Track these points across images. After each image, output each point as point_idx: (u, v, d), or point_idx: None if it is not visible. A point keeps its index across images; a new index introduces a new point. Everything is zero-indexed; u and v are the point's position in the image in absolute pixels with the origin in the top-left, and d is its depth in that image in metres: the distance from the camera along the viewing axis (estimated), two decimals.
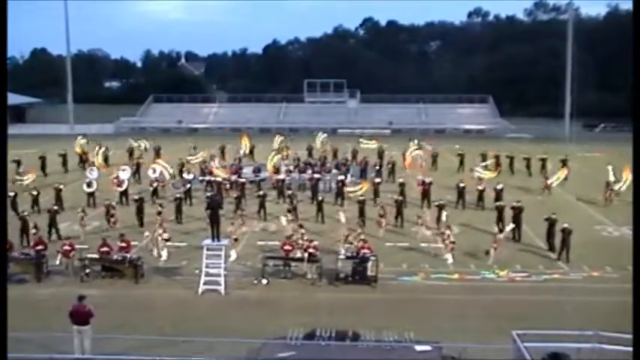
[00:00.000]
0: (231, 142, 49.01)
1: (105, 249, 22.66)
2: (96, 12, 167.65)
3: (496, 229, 25.77)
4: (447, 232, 24.76)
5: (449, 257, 24.15)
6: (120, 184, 33.95)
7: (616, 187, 34.40)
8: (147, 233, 25.74)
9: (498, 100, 78.53)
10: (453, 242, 24.29)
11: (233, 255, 24.15)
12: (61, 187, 32.87)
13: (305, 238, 23.32)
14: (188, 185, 34.20)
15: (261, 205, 31.03)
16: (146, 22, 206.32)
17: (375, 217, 28.31)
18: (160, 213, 26.73)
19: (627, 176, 33.95)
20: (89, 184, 33.60)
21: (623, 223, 29.59)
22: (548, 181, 36.28)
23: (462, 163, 44.31)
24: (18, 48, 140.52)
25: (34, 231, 24.64)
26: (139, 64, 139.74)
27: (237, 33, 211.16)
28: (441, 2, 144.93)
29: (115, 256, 22.56)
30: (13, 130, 53.95)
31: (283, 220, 26.53)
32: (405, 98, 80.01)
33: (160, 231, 24.75)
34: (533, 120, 75.48)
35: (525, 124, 72.29)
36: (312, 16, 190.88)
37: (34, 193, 32.04)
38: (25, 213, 27.67)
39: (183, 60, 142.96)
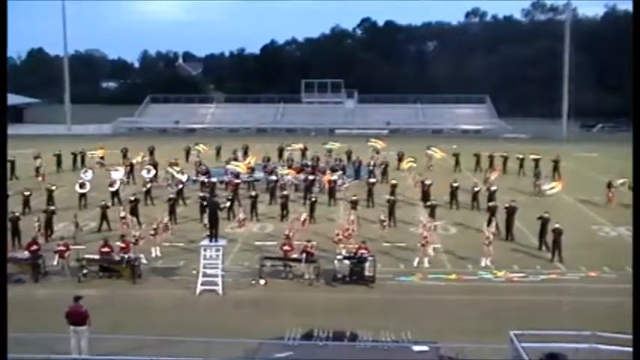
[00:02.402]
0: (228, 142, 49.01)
1: (106, 249, 22.65)
2: (93, 12, 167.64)
3: (486, 229, 25.67)
4: (424, 232, 24.52)
5: (419, 260, 23.84)
6: (111, 184, 33.94)
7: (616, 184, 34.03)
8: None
9: (496, 101, 78.65)
10: (425, 245, 24.09)
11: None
12: (54, 187, 32.78)
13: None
14: (180, 186, 34.15)
15: (253, 206, 31.02)
16: (143, 22, 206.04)
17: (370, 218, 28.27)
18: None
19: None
20: (82, 185, 33.52)
21: (620, 223, 29.64)
22: (543, 187, 35.81)
23: (457, 163, 44.45)
24: (15, 48, 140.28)
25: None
26: (137, 65, 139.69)
27: (235, 33, 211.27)
28: (438, 2, 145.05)
29: (113, 257, 22.53)
30: (10, 130, 53.41)
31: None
32: (403, 98, 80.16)
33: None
34: (530, 120, 75.55)
35: (523, 125, 72.39)
36: (309, 16, 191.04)
37: (26, 193, 31.83)
38: (17, 214, 27.57)
39: (180, 60, 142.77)
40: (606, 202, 33.71)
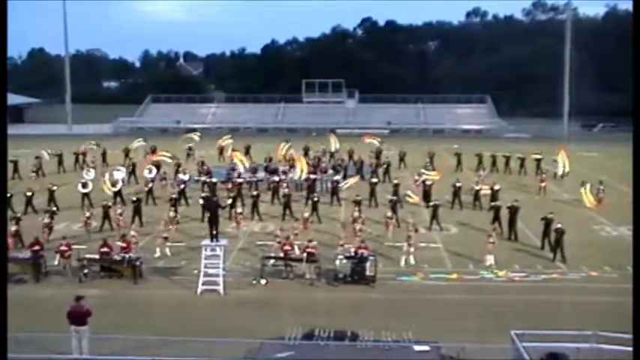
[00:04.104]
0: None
1: (105, 249, 22.62)
2: (94, 12, 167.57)
3: (490, 229, 25.60)
4: (411, 234, 24.45)
5: (409, 259, 23.88)
6: (114, 184, 33.93)
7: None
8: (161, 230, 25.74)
9: (496, 100, 78.68)
10: (411, 245, 24.04)
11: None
12: (55, 187, 32.79)
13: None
14: (182, 185, 34.16)
15: (255, 205, 30.99)
16: (145, 22, 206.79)
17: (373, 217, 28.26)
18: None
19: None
20: (84, 185, 33.51)
21: (621, 222, 29.61)
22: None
23: (459, 163, 44.38)
24: (16, 48, 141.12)
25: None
26: (138, 64, 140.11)
27: (236, 33, 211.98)
28: (439, 2, 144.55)
29: (114, 257, 22.53)
30: (11, 130, 53.64)
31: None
32: (404, 98, 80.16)
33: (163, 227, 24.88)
34: (531, 120, 75.56)
35: (523, 124, 72.40)
36: (310, 16, 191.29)
37: (28, 194, 31.82)
38: (19, 214, 27.59)
39: (181, 60, 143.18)
40: (595, 202, 33.55)
